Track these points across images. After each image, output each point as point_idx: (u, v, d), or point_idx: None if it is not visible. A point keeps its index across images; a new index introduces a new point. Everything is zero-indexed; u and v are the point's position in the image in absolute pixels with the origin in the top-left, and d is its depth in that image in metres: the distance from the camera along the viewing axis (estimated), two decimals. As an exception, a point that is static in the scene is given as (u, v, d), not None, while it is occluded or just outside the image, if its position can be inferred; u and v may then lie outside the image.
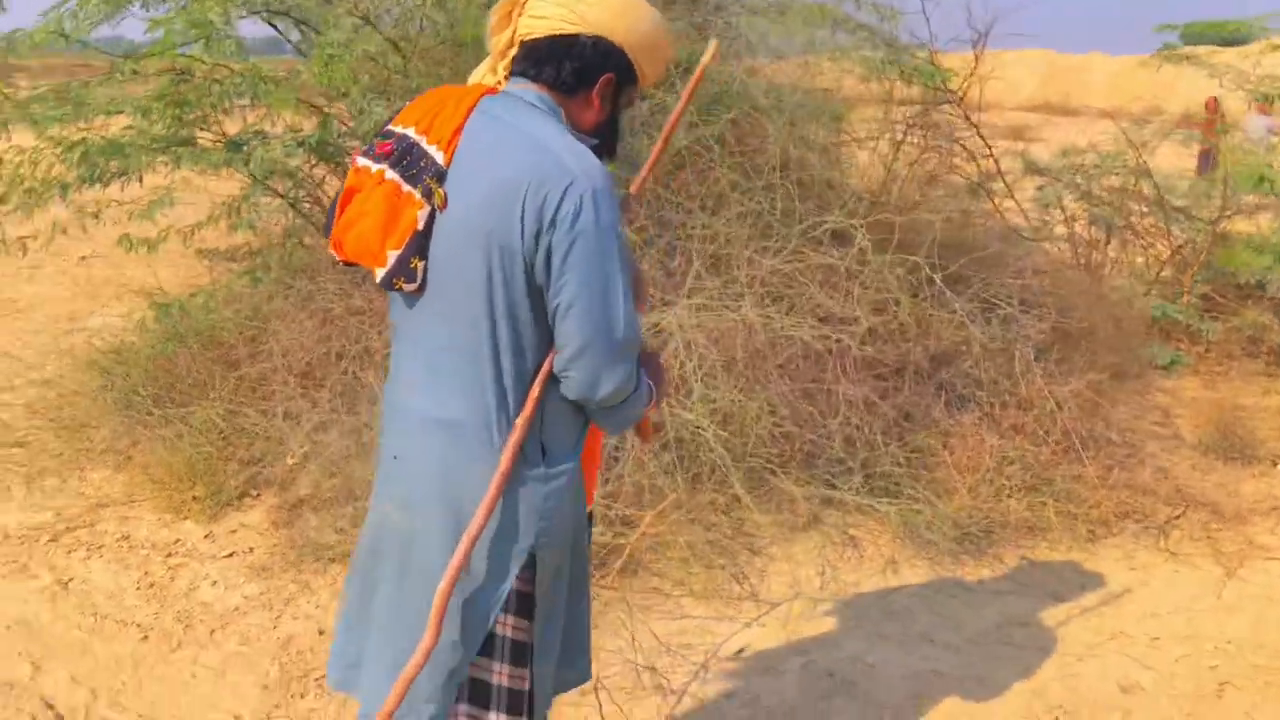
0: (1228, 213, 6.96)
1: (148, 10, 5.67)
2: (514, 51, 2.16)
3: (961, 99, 6.07)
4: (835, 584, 4.23)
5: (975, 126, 6.13)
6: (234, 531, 4.47)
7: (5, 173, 5.55)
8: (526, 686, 2.23)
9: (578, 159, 2.00)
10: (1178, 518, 4.81)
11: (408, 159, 2.06)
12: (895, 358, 4.82)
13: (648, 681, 3.56)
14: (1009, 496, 4.66)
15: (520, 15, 2.13)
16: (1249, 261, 6.59)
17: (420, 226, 2.03)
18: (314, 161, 5.98)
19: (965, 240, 5.49)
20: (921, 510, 4.51)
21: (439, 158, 2.03)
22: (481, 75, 2.22)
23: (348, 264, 2.20)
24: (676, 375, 4.42)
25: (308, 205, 6.18)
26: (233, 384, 5.01)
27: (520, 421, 2.06)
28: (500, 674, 2.21)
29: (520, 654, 2.22)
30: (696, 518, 4.34)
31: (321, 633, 3.81)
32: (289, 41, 6.52)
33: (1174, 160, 8.36)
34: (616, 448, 4.36)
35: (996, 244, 5.49)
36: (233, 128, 5.74)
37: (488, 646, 2.20)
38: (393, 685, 2.12)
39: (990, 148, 6.34)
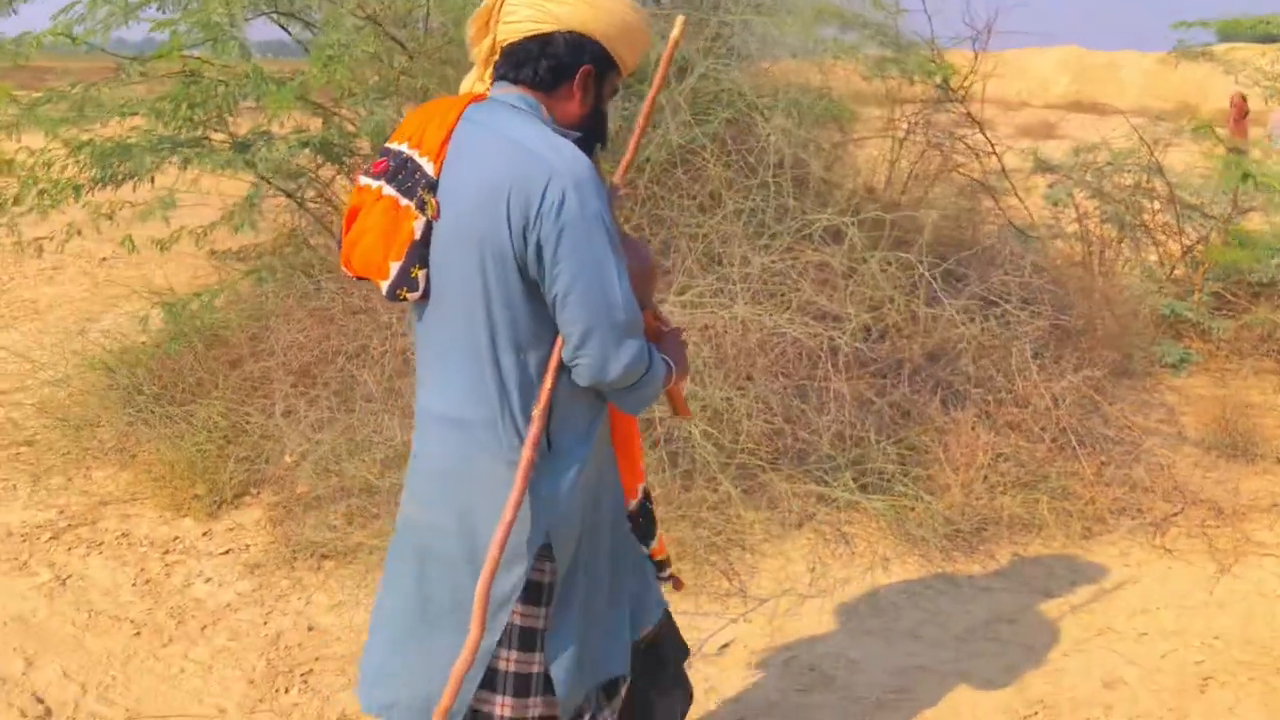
0: (1240, 210, 6.90)
1: (164, 12, 5.76)
2: (495, 58, 2.21)
3: (964, 96, 6.05)
4: (825, 580, 4.24)
5: (978, 123, 6.10)
6: (232, 529, 4.53)
7: (19, 174, 5.66)
8: (536, 670, 2.27)
9: (557, 153, 2.05)
10: (1176, 515, 4.79)
11: (402, 173, 2.12)
12: (889, 354, 4.82)
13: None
14: (1003, 493, 4.65)
15: (497, 22, 2.18)
16: (1235, 258, 6.56)
17: (418, 236, 2.10)
18: (321, 161, 6.05)
19: (966, 238, 5.49)
20: (913, 507, 4.51)
21: (429, 169, 2.10)
22: (470, 84, 2.28)
23: (359, 278, 2.27)
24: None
25: (316, 204, 6.26)
26: (235, 383, 5.08)
27: (537, 414, 2.12)
28: (508, 660, 2.24)
29: (529, 640, 2.25)
30: (687, 514, 4.36)
31: (311, 629, 3.86)
32: (299, 43, 6.59)
33: (1196, 158, 8.29)
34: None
35: (998, 241, 5.47)
36: (245, 129, 5.82)
37: (527, 640, 2.25)
38: (425, 677, 2.23)
39: (994, 145, 6.32)
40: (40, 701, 3.45)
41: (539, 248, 2.02)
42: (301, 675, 3.60)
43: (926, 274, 4.83)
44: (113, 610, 3.98)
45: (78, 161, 5.54)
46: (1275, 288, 6.82)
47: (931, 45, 6.12)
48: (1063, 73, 38.15)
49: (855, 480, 4.60)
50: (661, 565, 2.60)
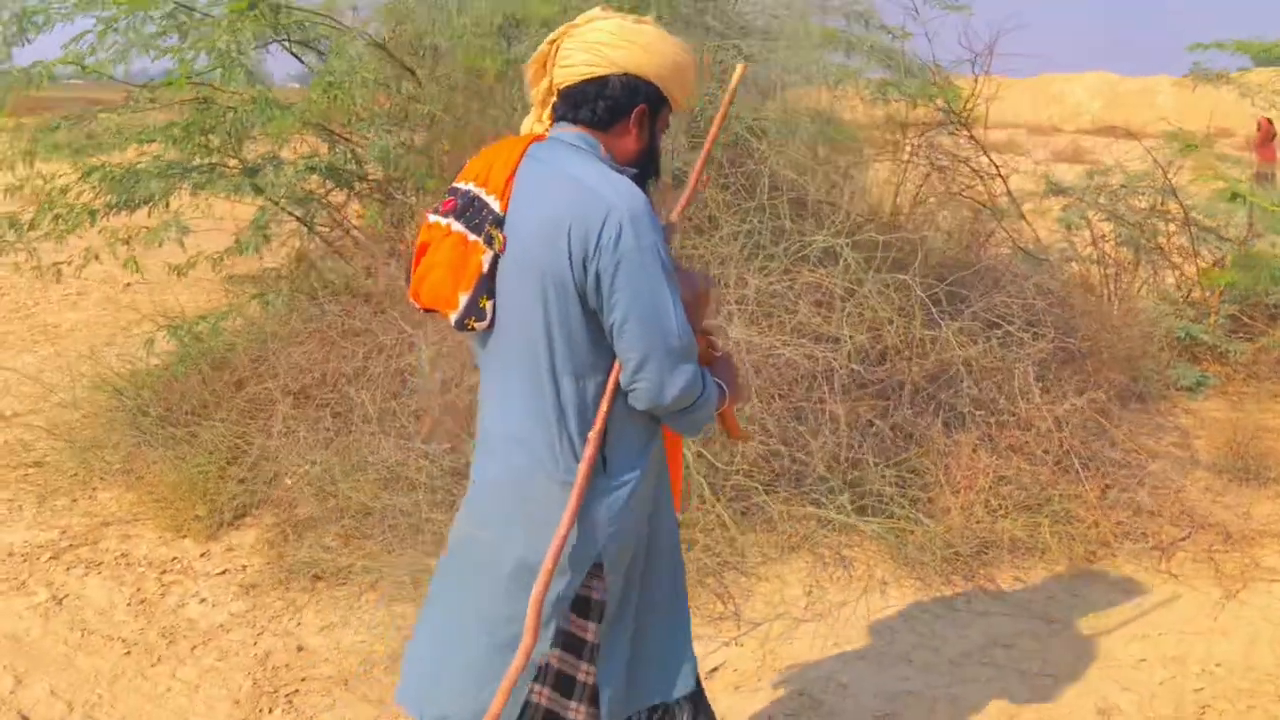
0: (1256, 233, 6.84)
1: (182, 40, 5.82)
2: (553, 99, 2.34)
3: (967, 119, 6.03)
4: (821, 604, 4.21)
5: (981, 146, 6.08)
6: (230, 550, 4.54)
7: (35, 199, 5.74)
8: (582, 677, 2.36)
9: (614, 189, 2.17)
10: (1183, 539, 4.72)
11: (470, 210, 2.25)
12: (886, 376, 4.79)
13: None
14: (1004, 516, 4.60)
15: (554, 65, 2.31)
16: (1233, 280, 6.51)
17: (485, 269, 2.23)
18: (330, 187, 6.10)
19: (969, 260, 5.45)
20: (912, 530, 4.47)
21: (496, 205, 2.23)
22: (530, 125, 2.40)
23: (428, 311, 2.38)
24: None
25: (326, 229, 6.30)
26: (238, 404, 5.11)
27: (593, 436, 2.23)
28: (553, 658, 2.33)
29: (575, 646, 2.34)
30: (684, 537, 4.34)
31: (300, 649, 3.86)
32: (313, 71, 6.65)
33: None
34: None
35: (1000, 263, 5.43)
36: (257, 155, 5.88)
37: (573, 646, 2.34)
38: (473, 687, 2.30)
39: (999, 167, 6.29)
40: (26, 719, 3.46)
41: (598, 278, 2.14)
42: (287, 696, 3.60)
43: (922, 295, 4.79)
44: (105, 630, 4.00)
45: (93, 187, 5.62)
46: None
47: (936, 69, 6.11)
48: (1095, 98, 37.94)
49: (853, 503, 4.57)
50: None
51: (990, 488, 4.66)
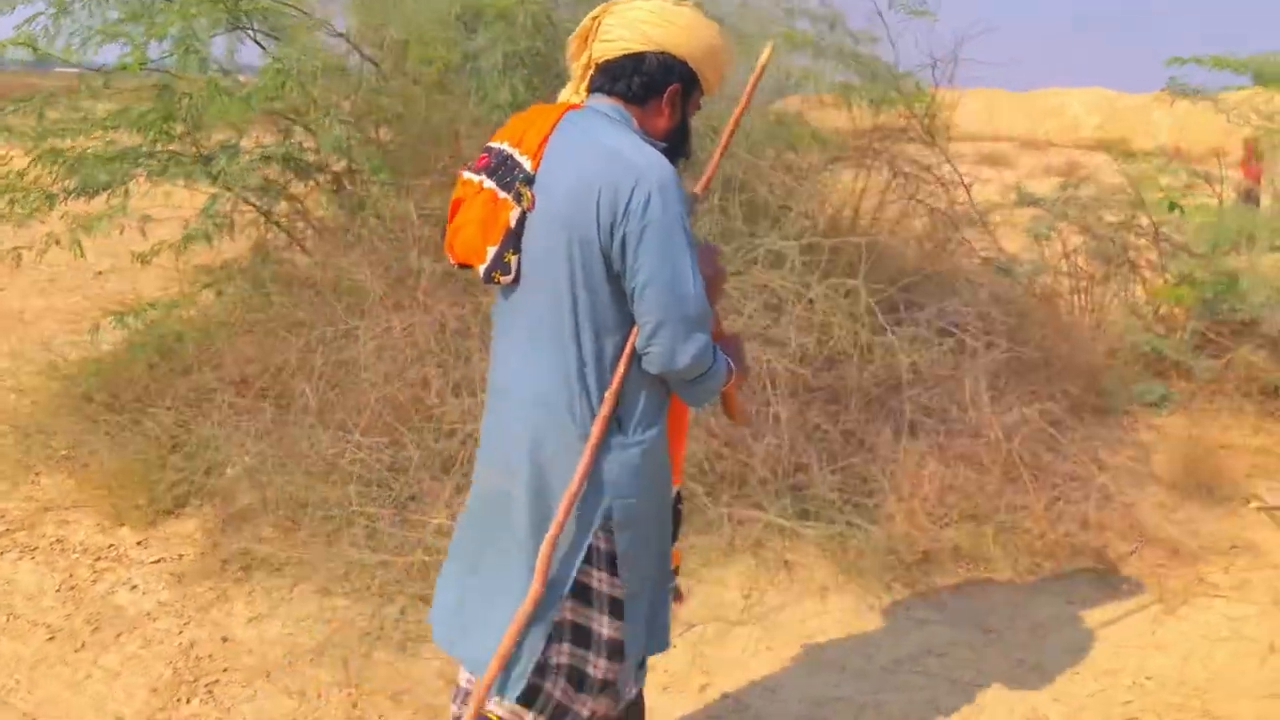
0: (1224, 248, 6.80)
1: (142, 27, 5.77)
2: (592, 72, 2.45)
3: (929, 125, 6.00)
4: (759, 607, 4.17)
5: (945, 154, 6.05)
6: (167, 539, 4.50)
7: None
8: (595, 628, 2.46)
9: (645, 158, 2.27)
10: (1131, 553, 4.69)
11: (502, 169, 2.36)
12: (834, 381, 4.76)
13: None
14: (949, 525, 4.57)
15: (595, 40, 2.43)
16: (1178, 296, 6.54)
17: (513, 225, 2.33)
18: (290, 177, 6.04)
19: (927, 267, 5.42)
20: (855, 537, 4.44)
21: (527, 165, 2.33)
22: (568, 95, 2.51)
23: (461, 266, 2.48)
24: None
25: (286, 220, 6.24)
26: (183, 392, 5.06)
27: (609, 395, 2.32)
28: (600, 623, 2.44)
29: (617, 608, 2.45)
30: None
31: (225, 640, 3.82)
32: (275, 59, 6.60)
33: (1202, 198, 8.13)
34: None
35: (959, 272, 5.40)
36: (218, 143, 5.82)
37: (585, 596, 2.43)
38: (493, 640, 2.39)
39: (961, 176, 6.26)
40: (-61, 704, 3.43)
41: (624, 243, 2.23)
42: (207, 686, 3.56)
43: (869, 301, 4.76)
44: (31, 615, 3.96)
45: (50, 172, 5.56)
46: (1257, 328, 6.69)
47: (906, 75, 6.07)
48: (1093, 114, 37.94)
49: (795, 507, 4.53)
50: (674, 571, 2.72)
51: (936, 496, 4.62)
